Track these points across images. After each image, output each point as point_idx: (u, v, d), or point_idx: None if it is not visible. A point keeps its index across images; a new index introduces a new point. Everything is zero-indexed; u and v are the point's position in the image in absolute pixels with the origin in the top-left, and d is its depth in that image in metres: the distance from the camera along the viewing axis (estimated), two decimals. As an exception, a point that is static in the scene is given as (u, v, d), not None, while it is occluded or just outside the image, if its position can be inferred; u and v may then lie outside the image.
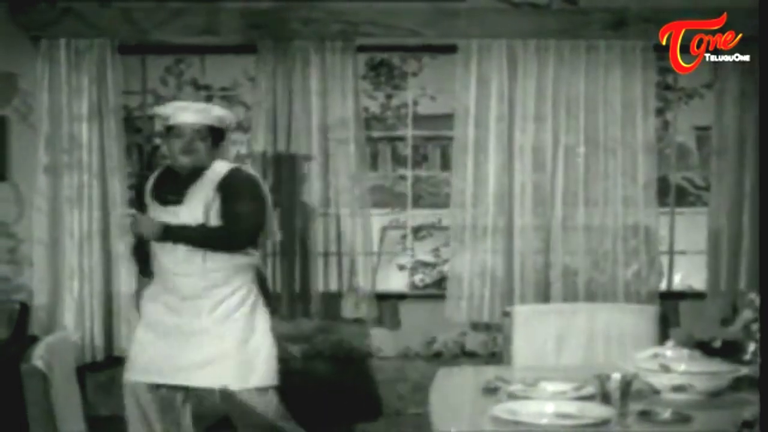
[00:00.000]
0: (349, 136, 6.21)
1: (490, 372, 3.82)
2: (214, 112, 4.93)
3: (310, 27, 6.18)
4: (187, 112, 4.84)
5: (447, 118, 6.50)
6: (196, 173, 4.83)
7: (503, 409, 3.14)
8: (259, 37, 6.21)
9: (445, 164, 7.30)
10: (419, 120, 6.98)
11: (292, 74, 6.21)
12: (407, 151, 6.85)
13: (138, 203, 5.05)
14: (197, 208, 4.77)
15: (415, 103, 6.88)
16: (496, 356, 6.06)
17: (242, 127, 6.86)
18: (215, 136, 4.87)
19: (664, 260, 6.61)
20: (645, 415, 3.13)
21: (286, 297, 6.29)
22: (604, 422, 3.04)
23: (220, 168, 4.87)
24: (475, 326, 6.40)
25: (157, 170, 5.13)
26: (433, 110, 7.11)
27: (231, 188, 4.82)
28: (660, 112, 6.63)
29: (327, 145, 6.23)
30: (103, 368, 6.33)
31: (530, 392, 3.41)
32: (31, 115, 6.27)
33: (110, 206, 6.23)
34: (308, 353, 6.44)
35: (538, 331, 4.42)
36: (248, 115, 6.63)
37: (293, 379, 5.41)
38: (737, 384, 3.45)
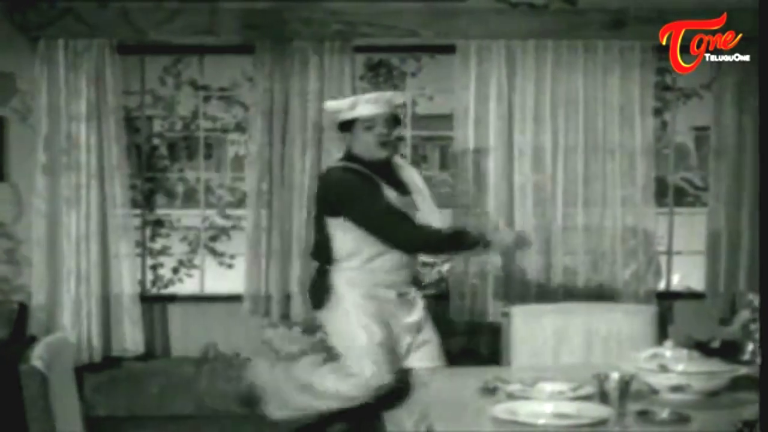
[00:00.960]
0: (347, 137, 6.20)
1: (488, 372, 3.81)
2: (396, 100, 4.91)
3: (309, 27, 6.19)
4: (379, 104, 4.72)
5: (446, 119, 6.50)
6: (389, 163, 4.80)
7: (502, 409, 3.14)
8: (257, 37, 6.21)
9: (444, 164, 7.29)
10: (418, 120, 6.99)
11: (290, 74, 6.21)
12: (406, 151, 6.84)
13: (376, 188, 4.69)
14: (423, 197, 4.81)
15: (414, 103, 6.88)
16: (495, 356, 6.06)
17: (240, 127, 6.86)
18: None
19: (663, 260, 6.62)
20: (643, 415, 3.13)
21: (280, 298, 6.30)
22: (603, 422, 3.03)
23: (400, 161, 4.95)
24: (475, 326, 6.40)
25: (346, 166, 4.75)
26: (431, 110, 7.12)
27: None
28: (658, 112, 6.63)
29: (324, 146, 6.23)
30: (100, 369, 6.33)
31: (529, 392, 3.41)
32: (30, 115, 6.27)
33: (108, 207, 6.23)
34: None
35: (536, 331, 4.42)
36: (246, 116, 6.63)
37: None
38: (736, 384, 3.44)
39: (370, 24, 6.21)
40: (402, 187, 4.75)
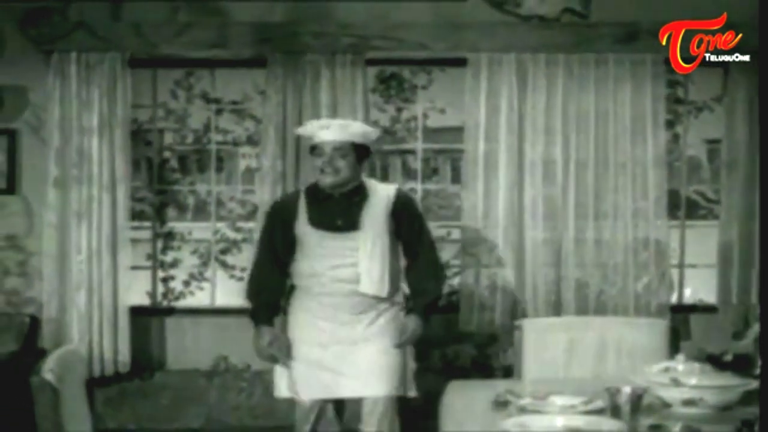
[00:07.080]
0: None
1: (500, 385, 3.81)
2: (354, 129, 4.86)
3: (320, 40, 6.20)
4: (326, 130, 4.79)
5: (457, 131, 6.50)
6: (353, 195, 4.82)
7: (513, 422, 3.13)
8: (269, 50, 6.23)
9: (456, 177, 7.28)
10: (429, 133, 6.98)
11: (302, 88, 6.23)
12: (417, 164, 6.85)
13: (282, 230, 4.88)
14: (373, 233, 4.76)
15: (425, 116, 6.88)
16: (507, 369, 6.05)
17: (252, 140, 6.87)
18: (359, 152, 4.81)
19: (675, 273, 6.60)
20: (655, 429, 3.12)
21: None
22: (615, 436, 3.03)
23: (383, 190, 4.90)
24: (486, 338, 6.39)
25: (295, 193, 5.11)
26: (442, 123, 7.11)
27: (411, 215, 4.93)
28: (670, 125, 6.61)
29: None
30: (111, 382, 6.33)
31: (540, 406, 3.40)
32: (42, 128, 6.29)
33: (118, 219, 6.24)
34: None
35: (548, 345, 4.42)
36: (258, 129, 6.64)
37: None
38: (748, 398, 3.43)
39: (381, 37, 6.22)
40: (343, 223, 4.77)
